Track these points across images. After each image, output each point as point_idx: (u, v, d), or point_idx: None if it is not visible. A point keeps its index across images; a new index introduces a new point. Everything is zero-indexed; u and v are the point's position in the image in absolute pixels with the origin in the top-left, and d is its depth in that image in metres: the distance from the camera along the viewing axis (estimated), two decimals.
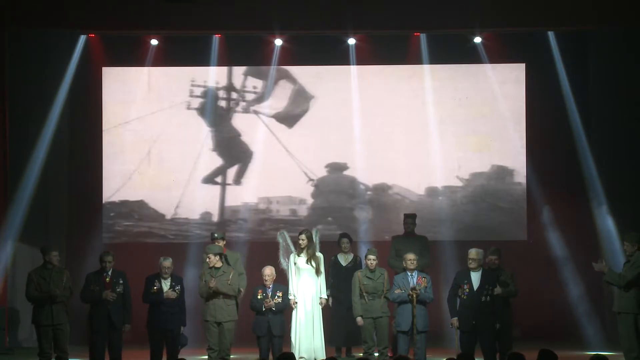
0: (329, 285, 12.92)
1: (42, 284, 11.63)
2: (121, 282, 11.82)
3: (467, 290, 11.60)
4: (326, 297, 12.26)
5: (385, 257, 13.04)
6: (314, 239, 12.22)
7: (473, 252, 11.74)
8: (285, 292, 12.01)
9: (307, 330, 11.97)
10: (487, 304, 11.57)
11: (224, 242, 12.48)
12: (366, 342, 12.01)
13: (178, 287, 11.82)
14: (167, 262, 11.93)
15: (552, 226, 15.12)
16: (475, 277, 11.64)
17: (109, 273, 11.85)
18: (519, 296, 12.19)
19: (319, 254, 12.16)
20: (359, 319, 11.95)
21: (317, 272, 12.09)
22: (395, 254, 13.01)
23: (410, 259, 11.85)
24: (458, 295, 11.70)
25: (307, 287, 12.09)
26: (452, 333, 12.29)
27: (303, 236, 12.12)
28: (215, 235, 12.51)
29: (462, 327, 11.63)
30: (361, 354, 12.09)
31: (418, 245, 12.95)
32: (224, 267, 11.78)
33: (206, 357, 12.00)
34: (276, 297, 11.90)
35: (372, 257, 12.03)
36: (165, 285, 11.82)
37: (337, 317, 13.06)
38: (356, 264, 13.14)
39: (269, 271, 12.09)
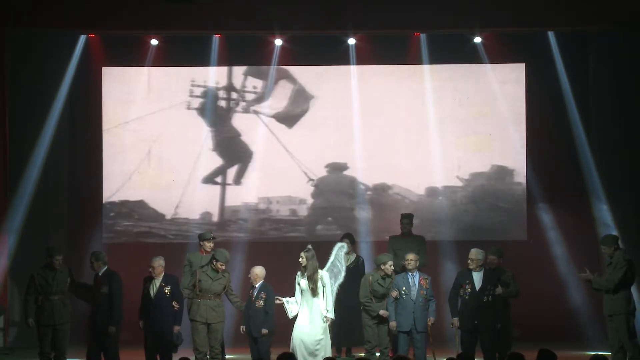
0: None
1: (44, 285, 11.64)
2: (108, 283, 11.69)
3: (469, 290, 11.60)
4: (332, 316, 11.44)
5: None
6: (337, 253, 11.54)
7: (473, 252, 11.75)
8: (270, 294, 11.65)
9: (308, 352, 11.35)
10: (488, 304, 11.59)
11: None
12: (369, 342, 11.99)
13: (168, 288, 11.66)
14: (153, 262, 11.75)
15: (552, 225, 15.13)
16: (477, 277, 11.65)
17: (99, 274, 11.77)
18: (519, 296, 12.18)
19: (322, 273, 11.39)
20: (392, 323, 11.82)
21: (314, 292, 11.32)
22: (394, 254, 13.01)
23: (410, 259, 11.83)
24: (459, 295, 11.70)
25: (309, 307, 11.39)
26: (452, 333, 12.29)
27: (303, 254, 11.41)
28: (212, 235, 12.50)
29: (463, 327, 11.63)
30: (362, 354, 12.10)
31: (415, 245, 12.94)
32: (222, 272, 11.82)
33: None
34: (259, 298, 11.68)
35: (390, 262, 11.95)
36: (154, 285, 11.69)
37: (337, 317, 13.04)
38: (358, 265, 13.13)
39: (255, 270, 11.89)
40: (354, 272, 12.96)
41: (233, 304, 12.01)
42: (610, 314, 11.33)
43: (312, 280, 11.30)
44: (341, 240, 13.11)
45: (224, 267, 11.75)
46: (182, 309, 11.82)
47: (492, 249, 12.22)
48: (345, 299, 12.73)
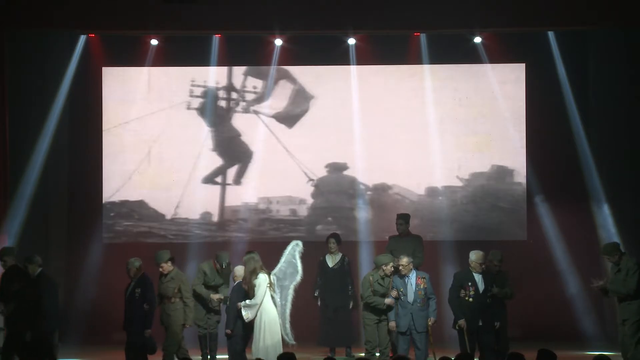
0: (317, 286, 12.99)
1: None
2: (41, 286, 11.51)
3: (473, 292, 11.57)
4: (246, 317, 11.28)
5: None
6: (291, 252, 11.46)
7: (480, 255, 11.68)
8: (235, 294, 11.60)
9: (267, 349, 11.27)
10: (489, 304, 11.61)
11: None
12: (369, 342, 11.94)
13: (138, 290, 11.59)
14: (128, 264, 11.73)
15: (552, 225, 15.12)
16: (479, 279, 11.64)
17: (33, 277, 11.60)
18: (518, 296, 12.18)
19: (261, 276, 11.28)
20: (392, 323, 11.80)
21: (249, 295, 11.35)
22: (391, 254, 12.98)
23: (403, 264, 11.77)
24: (461, 296, 11.63)
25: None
26: (451, 332, 12.28)
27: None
28: (227, 262, 12.54)
29: (466, 327, 11.58)
30: (362, 354, 12.08)
31: (411, 245, 12.94)
32: (173, 274, 11.84)
33: (200, 357, 12.08)
34: (230, 297, 11.73)
35: (390, 263, 11.87)
36: (129, 287, 11.70)
37: (323, 319, 13.13)
38: (343, 265, 13.18)
39: (234, 269, 11.97)
40: (340, 272, 13.08)
41: None
42: (625, 318, 11.39)
43: (249, 284, 11.31)
44: (327, 240, 13.20)
45: (162, 270, 11.75)
46: (152, 312, 11.68)
47: (499, 257, 12.12)
48: (332, 301, 12.84)
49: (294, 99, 15.58)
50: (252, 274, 11.28)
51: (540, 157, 15.29)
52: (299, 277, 11.40)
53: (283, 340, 11.30)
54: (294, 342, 11.31)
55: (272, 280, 11.30)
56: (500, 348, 11.73)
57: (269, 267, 11.80)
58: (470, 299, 11.59)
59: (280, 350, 10.95)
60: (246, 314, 11.21)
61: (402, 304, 11.74)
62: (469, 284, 11.60)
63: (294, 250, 11.48)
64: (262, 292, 11.21)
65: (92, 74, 15.36)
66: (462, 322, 11.61)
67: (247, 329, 11.44)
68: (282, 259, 11.48)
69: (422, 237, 13.60)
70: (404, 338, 11.72)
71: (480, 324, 11.57)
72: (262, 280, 11.24)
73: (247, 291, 11.31)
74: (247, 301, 11.23)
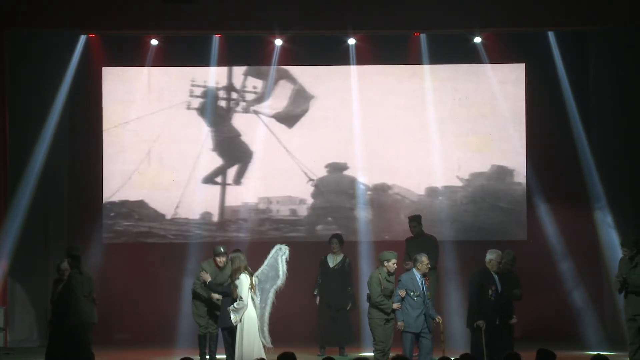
0: (317, 285, 12.97)
1: None
2: None
3: (494, 291, 11.54)
4: (234, 320, 11.19)
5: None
6: (274, 256, 11.36)
7: (500, 254, 11.65)
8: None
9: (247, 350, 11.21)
10: (504, 304, 11.61)
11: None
12: (382, 342, 11.49)
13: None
14: (62, 266, 11.79)
15: (552, 225, 15.13)
16: (497, 279, 11.61)
17: None
18: (521, 298, 12.20)
19: (241, 277, 11.17)
20: (400, 323, 11.51)
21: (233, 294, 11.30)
22: (408, 256, 12.94)
23: (425, 263, 11.59)
24: (481, 296, 11.55)
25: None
26: (449, 332, 12.25)
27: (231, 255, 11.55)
28: (222, 249, 12.25)
29: (486, 327, 11.52)
30: (362, 354, 12.02)
31: (423, 246, 12.89)
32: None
33: (198, 357, 12.16)
34: None
35: (394, 260, 11.67)
36: (60, 287, 11.73)
37: (323, 318, 13.11)
38: (344, 266, 13.17)
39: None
40: (340, 273, 13.10)
41: None
42: (638, 313, 11.44)
43: (232, 283, 11.25)
44: (330, 240, 13.20)
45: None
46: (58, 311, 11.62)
47: (511, 257, 12.09)
48: (332, 300, 12.82)
49: (294, 99, 15.58)
50: (235, 272, 11.21)
51: (540, 157, 15.29)
52: (279, 281, 11.26)
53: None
54: (270, 346, 11.14)
55: (254, 282, 11.23)
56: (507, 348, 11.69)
57: None
58: (492, 298, 11.53)
59: (261, 354, 10.87)
60: (235, 318, 11.13)
61: (414, 304, 11.46)
62: (491, 283, 11.55)
63: (276, 254, 11.35)
64: (247, 293, 11.12)
65: (92, 74, 15.35)
66: (481, 322, 11.48)
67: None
68: (265, 262, 11.37)
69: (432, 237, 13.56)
70: (412, 338, 11.45)
71: (497, 322, 11.53)
72: (243, 280, 11.15)
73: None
74: (235, 304, 11.15)
